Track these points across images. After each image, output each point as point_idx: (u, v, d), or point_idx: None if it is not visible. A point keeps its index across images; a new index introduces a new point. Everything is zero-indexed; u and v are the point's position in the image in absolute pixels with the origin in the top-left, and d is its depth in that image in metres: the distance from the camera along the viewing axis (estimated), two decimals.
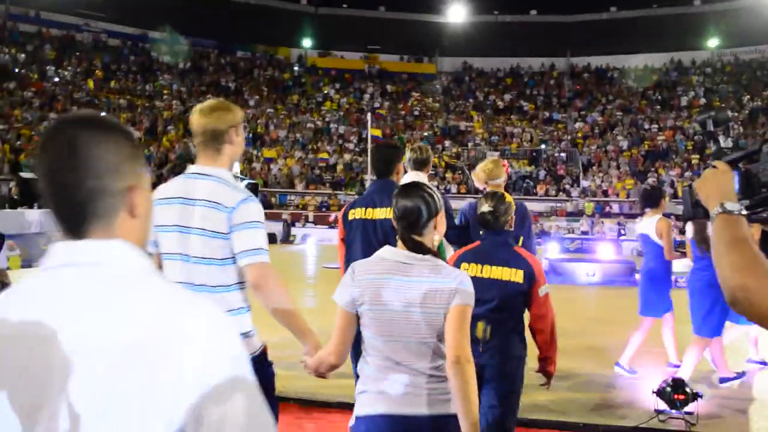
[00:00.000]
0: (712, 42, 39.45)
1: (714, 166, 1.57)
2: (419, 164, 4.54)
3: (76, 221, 1.05)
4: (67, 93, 30.11)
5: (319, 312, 8.78)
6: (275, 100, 36.35)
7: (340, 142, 32.89)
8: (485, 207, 3.25)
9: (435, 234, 2.36)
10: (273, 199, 27.95)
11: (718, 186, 1.50)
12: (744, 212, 1.43)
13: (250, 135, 31.72)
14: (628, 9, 39.75)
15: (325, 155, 31.38)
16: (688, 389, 4.28)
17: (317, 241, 23.18)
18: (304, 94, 37.81)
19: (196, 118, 2.78)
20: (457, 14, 40.69)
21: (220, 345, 0.99)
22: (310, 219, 26.70)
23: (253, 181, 13.89)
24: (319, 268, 15.34)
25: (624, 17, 39.91)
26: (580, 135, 33.80)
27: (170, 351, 0.95)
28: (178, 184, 2.70)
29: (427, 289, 2.23)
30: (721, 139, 1.72)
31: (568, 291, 11.80)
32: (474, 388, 2.16)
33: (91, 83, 31.61)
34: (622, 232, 24.09)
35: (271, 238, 24.08)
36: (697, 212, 1.60)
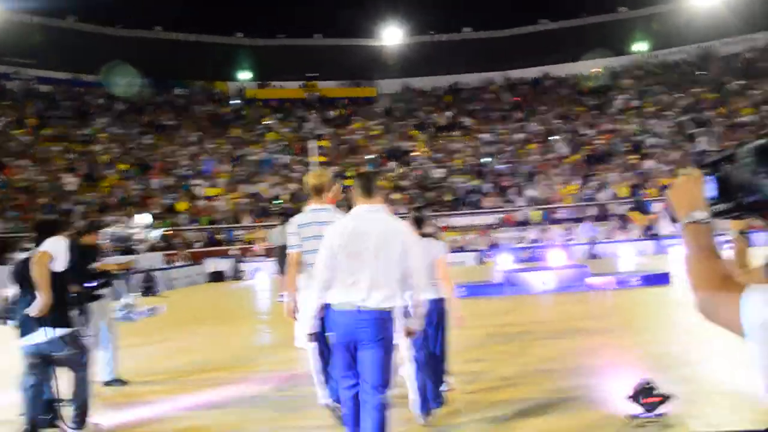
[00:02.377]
0: (640, 46, 40.76)
1: (686, 173, 1.54)
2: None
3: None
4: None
5: (273, 349, 8.59)
6: (216, 135, 35.92)
7: (285, 172, 32.66)
8: None
9: None
10: (218, 236, 27.43)
11: (688, 193, 1.49)
12: (709, 220, 1.44)
13: (191, 172, 31.22)
14: (558, 20, 40.83)
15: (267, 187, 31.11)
16: (660, 391, 4.27)
17: (270, 275, 22.79)
18: (245, 127, 37.51)
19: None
20: (393, 36, 41.14)
21: None
22: (260, 252, 26.31)
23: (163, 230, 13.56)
24: (273, 302, 15.03)
25: (554, 28, 41.01)
26: (521, 145, 34.33)
27: None
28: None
29: None
30: (703, 140, 1.66)
31: (523, 300, 11.83)
32: None
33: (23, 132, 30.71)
34: (569, 237, 24.46)
35: (219, 276, 23.65)
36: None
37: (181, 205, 28.33)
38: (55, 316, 4.90)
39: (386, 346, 3.73)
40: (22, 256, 5.15)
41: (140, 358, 8.24)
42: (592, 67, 40.58)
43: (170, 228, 26.38)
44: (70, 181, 27.40)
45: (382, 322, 3.71)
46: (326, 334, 4.14)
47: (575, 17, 40.54)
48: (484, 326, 9.28)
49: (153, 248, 23.78)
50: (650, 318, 9.19)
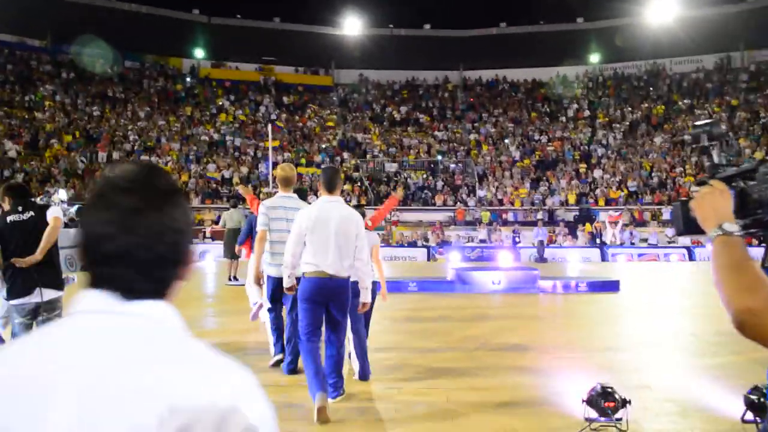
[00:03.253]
0: (594, 57, 41.65)
1: (710, 184, 1.49)
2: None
3: None
4: None
5: (219, 333, 8.43)
6: (167, 112, 35.09)
7: (237, 154, 32.16)
8: None
9: None
10: None
11: (716, 206, 1.45)
12: (741, 233, 1.40)
13: (141, 149, 30.45)
14: (517, 25, 41.29)
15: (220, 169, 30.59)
16: (617, 396, 4.31)
17: (216, 258, 22.42)
18: (197, 106, 36.75)
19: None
20: (352, 27, 40.86)
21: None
22: (207, 235, 25.86)
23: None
24: (220, 285, 14.78)
25: (513, 33, 41.40)
26: (474, 144, 34.70)
27: None
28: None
29: None
30: (715, 154, 1.66)
31: (477, 299, 11.93)
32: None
33: None
34: (518, 239, 24.85)
35: None
36: (690, 228, 1.54)
37: None
38: (52, 278, 5.24)
39: (350, 308, 5.08)
40: (12, 217, 5.22)
41: None
42: (547, 74, 41.28)
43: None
44: (11, 148, 26.34)
45: (347, 288, 4.90)
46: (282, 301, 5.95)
47: (534, 23, 41.08)
48: (431, 319, 9.34)
49: (68, 224, 23.15)
50: (601, 323, 9.40)
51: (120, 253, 1.02)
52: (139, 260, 1.02)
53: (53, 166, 26.34)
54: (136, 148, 30.32)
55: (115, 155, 29.25)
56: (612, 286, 12.71)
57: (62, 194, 20.37)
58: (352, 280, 4.95)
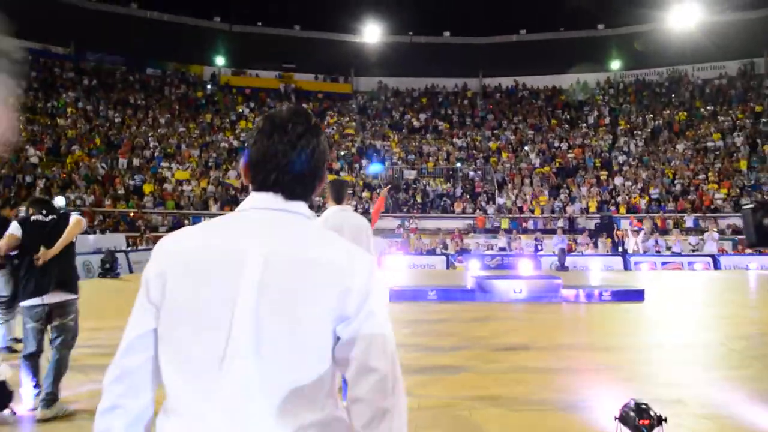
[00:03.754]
0: (615, 64, 41.32)
1: None
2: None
3: None
4: None
5: None
6: (187, 119, 35.31)
7: None
8: None
9: None
10: (187, 222, 26.94)
11: None
12: None
13: (161, 155, 30.62)
14: (537, 32, 41.13)
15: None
16: (652, 412, 4.15)
17: None
18: (217, 113, 36.94)
19: None
20: (372, 35, 40.94)
21: None
22: None
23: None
24: None
25: (533, 39, 41.28)
26: (494, 152, 34.50)
27: None
28: None
29: None
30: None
31: (495, 308, 11.77)
32: None
33: None
34: (539, 247, 24.58)
35: None
36: (763, 241, 1.41)
37: (148, 187, 27.72)
38: (66, 280, 5.25)
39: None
40: (36, 217, 5.39)
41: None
42: (567, 81, 41.03)
43: (135, 210, 25.84)
44: (33, 154, 26.60)
45: None
46: None
47: (553, 30, 40.88)
48: (456, 333, 9.20)
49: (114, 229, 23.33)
50: (628, 335, 9.18)
51: (288, 165, 1.45)
52: (301, 171, 1.46)
53: (74, 172, 26.55)
54: (156, 154, 30.50)
55: (135, 162, 29.44)
56: (637, 296, 12.44)
57: (60, 200, 20.63)
58: None
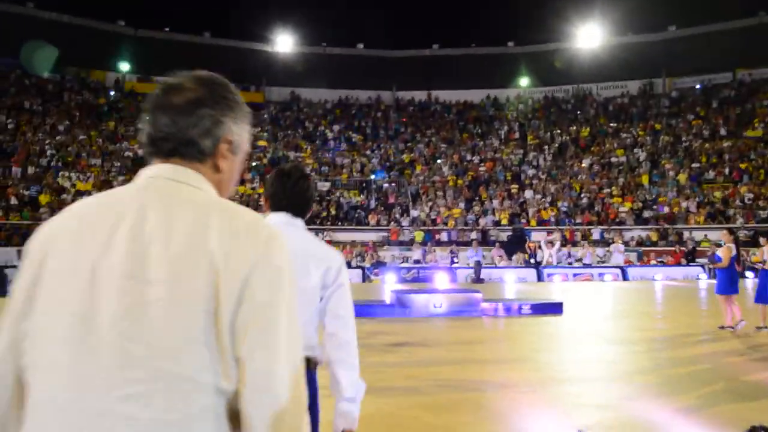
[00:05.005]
0: (524, 80, 42.43)
1: None
2: None
3: None
4: None
5: None
6: (88, 126, 33.46)
7: None
8: None
9: None
10: None
11: None
12: None
13: (59, 164, 28.83)
14: (449, 47, 41.71)
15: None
16: None
17: None
18: (121, 121, 35.21)
19: None
20: (284, 44, 40.34)
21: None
22: None
23: None
24: None
25: (445, 54, 41.83)
26: (407, 164, 34.54)
27: None
28: None
29: None
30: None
31: (419, 324, 11.45)
32: None
33: None
34: (455, 260, 24.62)
35: None
36: None
37: (44, 198, 25.97)
38: None
39: None
40: None
41: None
42: (479, 96, 41.76)
43: (30, 221, 24.13)
44: None
45: None
46: None
47: (466, 46, 41.57)
48: (382, 350, 8.82)
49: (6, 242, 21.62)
50: (550, 350, 9.06)
51: (294, 199, 2.60)
52: (299, 204, 2.62)
53: None
54: (53, 163, 28.68)
55: (30, 170, 27.56)
56: (555, 308, 12.46)
57: None
58: None
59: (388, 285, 16.14)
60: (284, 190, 2.57)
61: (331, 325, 2.43)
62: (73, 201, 21.17)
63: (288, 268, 1.19)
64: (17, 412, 1.16)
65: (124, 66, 40.04)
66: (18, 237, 22.52)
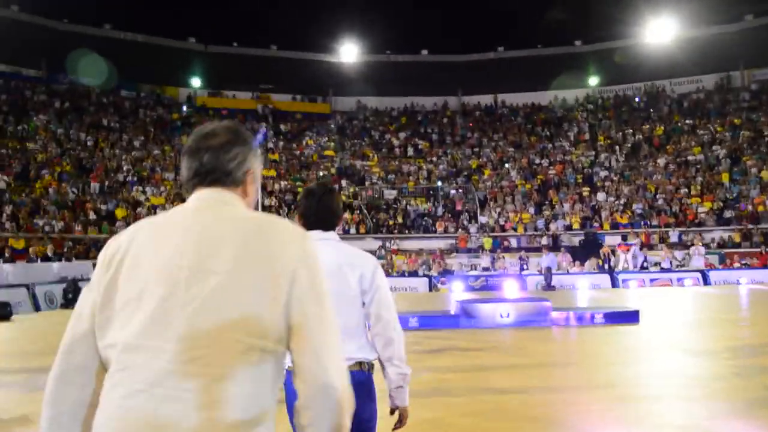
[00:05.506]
0: (593, 80, 41.31)
1: None
2: None
3: None
4: None
5: None
6: (162, 141, 34.54)
7: None
8: None
9: None
10: None
11: None
12: None
13: (135, 178, 29.82)
14: (514, 49, 41.01)
15: None
16: None
17: None
18: None
19: None
20: (349, 54, 40.58)
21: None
22: None
23: None
24: None
25: (510, 57, 41.13)
26: (474, 170, 34.11)
27: None
28: None
29: None
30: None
31: (485, 336, 11.15)
32: None
33: None
34: (525, 266, 24.05)
35: None
36: None
37: (120, 212, 26.88)
38: None
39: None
40: None
41: None
42: (546, 98, 40.91)
43: (107, 235, 25.01)
44: (1, 179, 25.68)
45: None
46: None
47: (531, 47, 40.80)
48: (437, 368, 8.58)
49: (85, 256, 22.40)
50: (627, 363, 8.57)
51: (321, 215, 2.82)
52: (327, 218, 2.83)
53: (43, 198, 25.64)
54: (129, 178, 29.67)
55: (108, 185, 28.59)
56: (631, 317, 11.83)
57: None
58: None
59: (455, 294, 15.82)
60: (311, 207, 2.81)
61: (376, 327, 2.66)
62: (148, 214, 21.88)
63: (318, 263, 1.58)
64: (99, 380, 1.51)
65: (196, 82, 41.21)
66: (95, 251, 23.33)
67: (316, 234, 2.74)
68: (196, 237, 1.51)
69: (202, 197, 1.64)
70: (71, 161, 29.53)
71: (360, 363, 2.60)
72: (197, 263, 1.48)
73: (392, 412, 2.72)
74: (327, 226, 2.82)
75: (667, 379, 7.20)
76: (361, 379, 2.56)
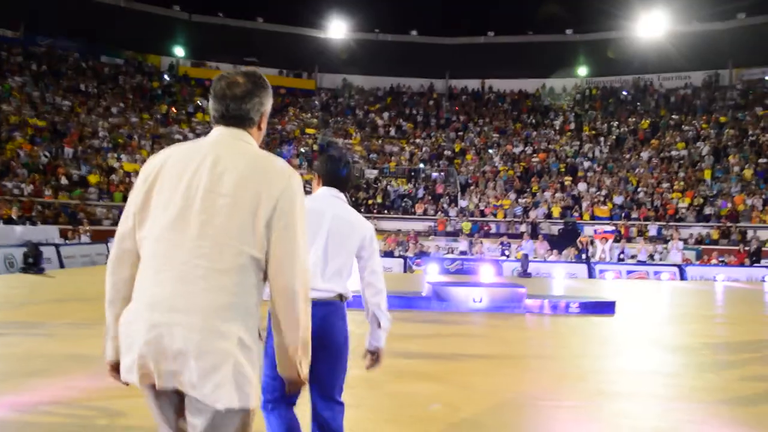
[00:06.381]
0: (582, 70, 40.97)
1: None
2: None
3: None
4: None
5: None
6: (141, 109, 33.75)
7: None
8: None
9: None
10: None
11: None
12: None
13: (110, 145, 29.09)
14: (505, 35, 40.50)
15: None
16: None
17: None
18: (174, 104, 35.43)
19: None
20: (337, 30, 39.86)
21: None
22: None
23: None
24: None
25: (500, 42, 40.62)
26: (457, 153, 33.74)
27: None
28: None
29: None
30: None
31: (455, 319, 10.82)
32: None
33: None
34: (506, 252, 23.76)
35: None
36: None
37: (93, 178, 26.20)
38: None
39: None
40: None
41: None
42: (534, 85, 40.54)
43: (78, 201, 24.37)
44: None
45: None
46: None
47: (522, 33, 40.33)
48: (401, 352, 8.24)
49: (53, 221, 21.77)
50: (601, 357, 8.27)
51: (340, 179, 3.33)
52: (344, 183, 3.34)
53: (13, 160, 24.86)
54: (104, 144, 28.93)
55: (82, 151, 27.84)
56: (607, 308, 11.56)
57: None
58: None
59: (430, 276, 15.47)
60: (333, 172, 3.34)
61: (370, 277, 3.27)
62: (121, 182, 21.16)
63: (300, 194, 2.12)
64: (138, 262, 2.10)
65: (179, 51, 40.34)
66: (66, 217, 22.69)
67: (332, 191, 3.35)
68: (210, 165, 2.06)
69: (221, 133, 2.18)
70: (45, 125, 28.69)
71: (340, 295, 3.20)
72: (209, 185, 2.04)
73: (371, 353, 3.35)
74: (342, 188, 3.38)
75: (643, 376, 6.88)
76: (339, 305, 3.21)
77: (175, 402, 2.05)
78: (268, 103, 2.26)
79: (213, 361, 1.93)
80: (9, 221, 18.88)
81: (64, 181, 25.24)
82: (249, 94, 2.17)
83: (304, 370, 2.13)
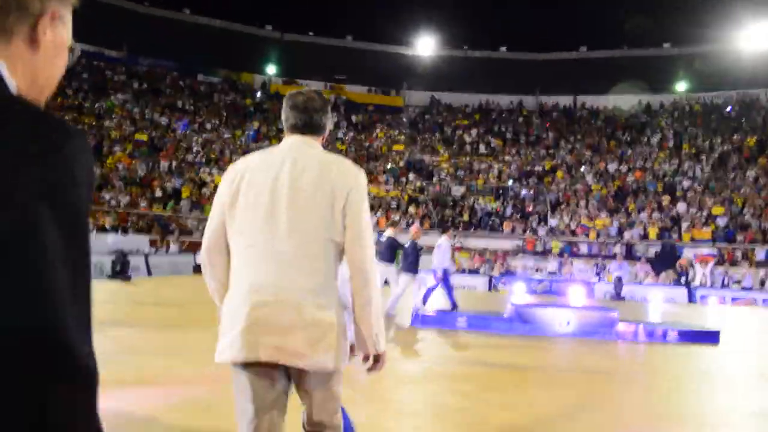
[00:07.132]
0: (681, 85, 39.08)
1: None
2: None
3: None
4: None
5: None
6: (234, 126, 34.72)
7: None
8: None
9: None
10: None
11: None
12: None
13: (204, 159, 29.99)
14: (598, 49, 39.25)
15: None
16: None
17: None
18: (265, 121, 36.25)
19: None
20: (425, 47, 39.79)
21: None
22: None
23: None
24: None
25: (594, 57, 39.40)
26: (548, 171, 32.75)
27: None
28: None
29: None
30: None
31: (540, 345, 10.19)
32: None
33: None
34: (599, 273, 22.65)
35: None
36: None
37: (186, 191, 27.03)
38: None
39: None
40: None
41: None
42: (629, 102, 38.95)
43: (171, 213, 25.15)
44: None
45: None
46: None
47: (616, 48, 38.94)
48: (472, 379, 7.73)
49: (146, 231, 22.50)
50: (705, 393, 7.48)
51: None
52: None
53: (113, 173, 25.97)
54: (197, 159, 29.86)
55: (177, 165, 28.84)
56: (710, 337, 10.56)
57: None
58: None
59: (515, 297, 14.80)
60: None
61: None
62: (211, 194, 21.66)
63: (365, 187, 2.45)
64: (227, 258, 2.44)
65: (271, 69, 41.32)
66: (158, 227, 23.41)
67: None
68: (290, 166, 2.38)
69: (295, 140, 2.51)
70: (144, 140, 29.94)
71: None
72: (291, 183, 2.35)
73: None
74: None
75: (753, 418, 6.08)
76: None
77: (271, 377, 2.34)
78: (330, 119, 2.64)
79: (319, 331, 2.29)
80: (102, 230, 19.65)
81: (158, 193, 26.13)
82: (324, 108, 2.55)
83: (381, 346, 2.44)
